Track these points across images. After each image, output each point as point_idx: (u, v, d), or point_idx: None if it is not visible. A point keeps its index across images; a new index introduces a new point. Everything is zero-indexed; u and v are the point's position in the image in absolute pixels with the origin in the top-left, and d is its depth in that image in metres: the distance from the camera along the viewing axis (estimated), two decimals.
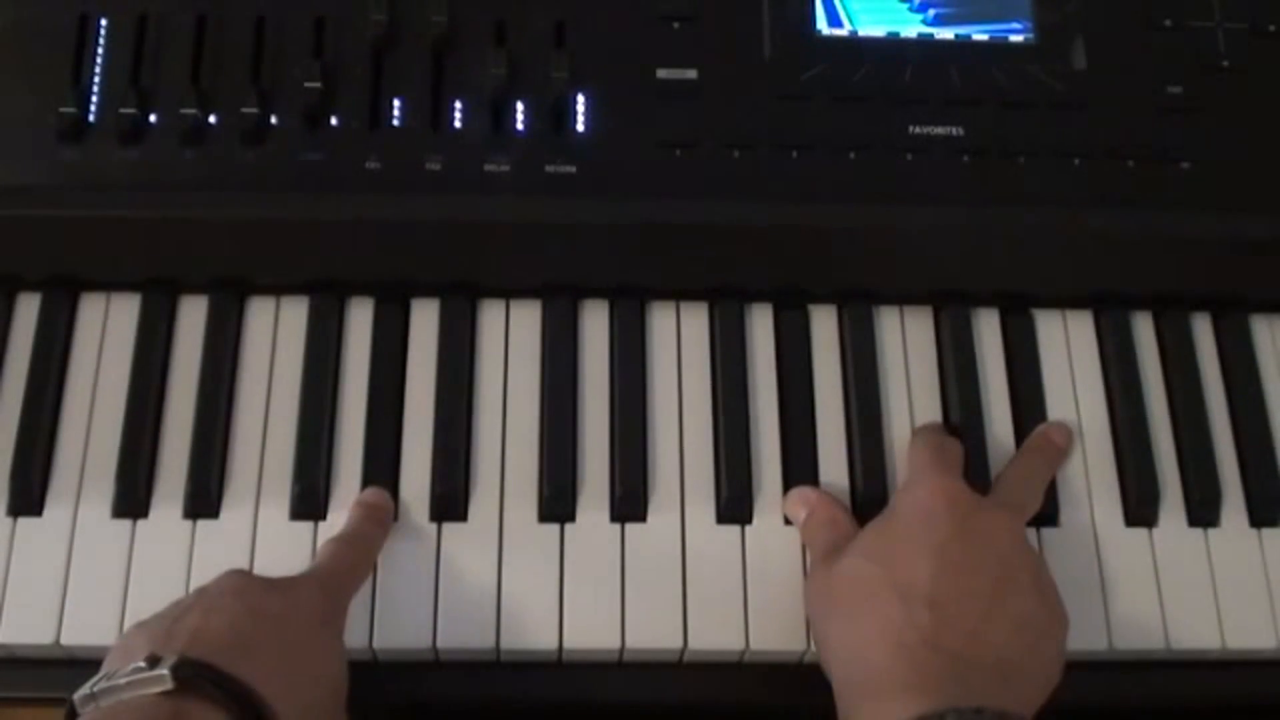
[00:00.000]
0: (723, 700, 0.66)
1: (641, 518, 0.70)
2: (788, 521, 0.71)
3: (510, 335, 0.74)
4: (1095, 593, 0.70)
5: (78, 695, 0.54)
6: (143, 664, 0.53)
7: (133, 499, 0.69)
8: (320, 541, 0.68)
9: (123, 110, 0.71)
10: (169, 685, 0.53)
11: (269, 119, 0.72)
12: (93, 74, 0.73)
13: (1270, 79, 0.77)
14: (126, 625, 0.66)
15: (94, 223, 0.71)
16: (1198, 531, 0.72)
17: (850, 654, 0.62)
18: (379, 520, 0.68)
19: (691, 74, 0.74)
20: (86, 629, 0.66)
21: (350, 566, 0.66)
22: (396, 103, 0.73)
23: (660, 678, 0.69)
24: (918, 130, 0.74)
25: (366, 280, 0.74)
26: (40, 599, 0.67)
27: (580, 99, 0.74)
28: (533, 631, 0.67)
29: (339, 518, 0.69)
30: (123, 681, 0.53)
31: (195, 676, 0.53)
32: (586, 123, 0.73)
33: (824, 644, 0.65)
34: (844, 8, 0.77)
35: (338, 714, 0.61)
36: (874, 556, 0.64)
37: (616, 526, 0.70)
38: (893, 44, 0.77)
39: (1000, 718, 0.56)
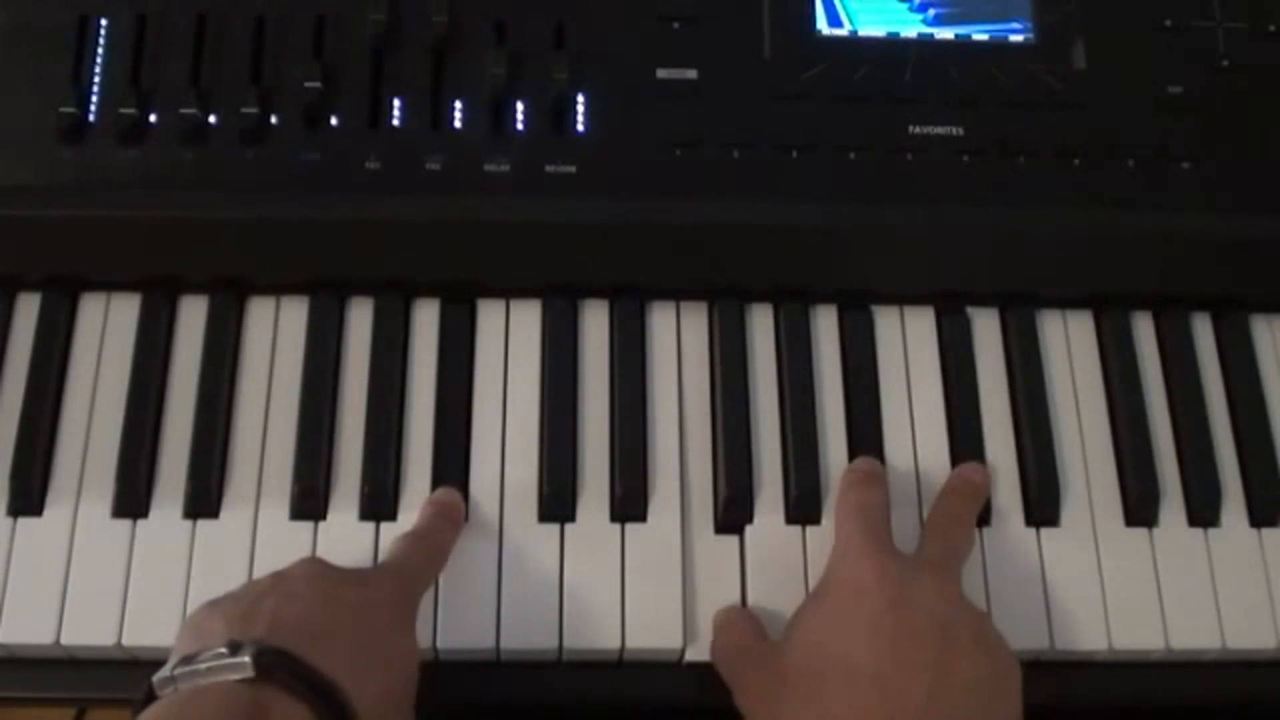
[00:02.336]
0: (722, 700, 0.66)
1: (641, 518, 0.70)
2: (788, 521, 0.71)
3: (510, 335, 0.74)
4: (1095, 593, 0.70)
5: (156, 677, 0.54)
6: (223, 649, 0.53)
7: (133, 499, 0.69)
8: (320, 542, 0.68)
9: (123, 110, 0.71)
10: (250, 673, 0.53)
11: (269, 119, 0.72)
12: (93, 74, 0.73)
13: (1270, 79, 0.77)
14: (125, 626, 0.66)
15: (94, 223, 0.71)
16: (1198, 531, 0.72)
17: None
18: (450, 518, 0.68)
19: (691, 74, 0.74)
20: (86, 629, 0.66)
21: (422, 562, 0.66)
22: (396, 103, 0.73)
23: (659, 678, 0.69)
24: (918, 130, 0.74)
25: (366, 280, 0.74)
26: (40, 599, 0.67)
27: (580, 99, 0.74)
28: (535, 631, 0.67)
29: (339, 517, 0.69)
30: (203, 666, 0.53)
31: (276, 666, 0.53)
32: (586, 123, 0.74)
33: None
34: (844, 8, 0.77)
35: (407, 707, 0.61)
36: (812, 642, 0.63)
37: (616, 526, 0.70)
38: (893, 44, 0.77)
39: None
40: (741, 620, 0.67)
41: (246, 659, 0.53)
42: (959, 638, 0.61)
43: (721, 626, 0.68)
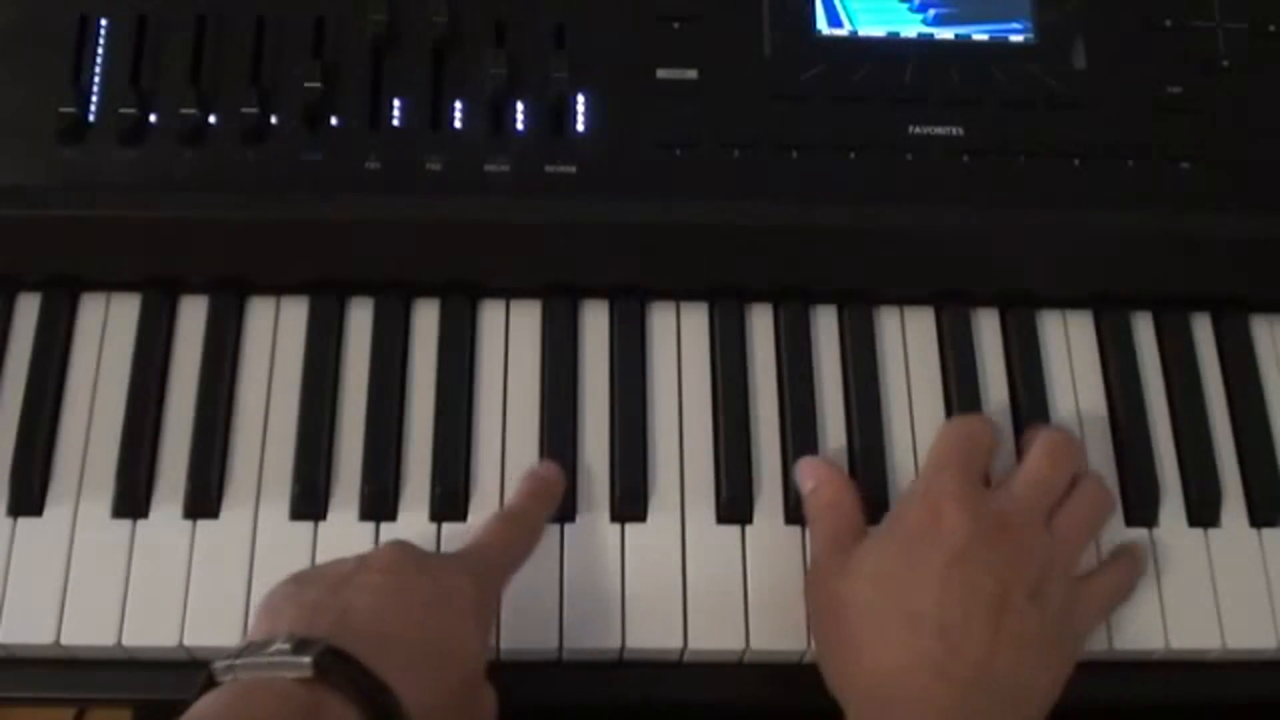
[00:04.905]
0: (722, 700, 0.66)
1: (641, 518, 0.70)
2: (788, 521, 0.71)
3: (510, 335, 0.74)
4: None
5: (219, 664, 0.55)
6: (286, 646, 0.54)
7: (133, 499, 0.69)
8: (320, 542, 0.68)
9: (123, 110, 0.71)
10: (309, 673, 0.53)
11: (269, 119, 0.72)
12: (93, 74, 0.73)
13: (1270, 79, 0.77)
14: (125, 626, 0.66)
15: (94, 223, 0.71)
16: (1198, 531, 0.72)
17: (858, 684, 0.62)
18: (546, 496, 0.68)
19: (691, 74, 0.74)
20: (86, 629, 0.66)
21: (509, 550, 0.65)
22: (396, 103, 0.73)
23: (660, 678, 0.69)
24: (918, 130, 0.74)
25: (366, 280, 0.74)
26: (40, 599, 0.66)
27: (580, 99, 0.74)
28: (535, 632, 0.67)
29: (339, 517, 0.69)
30: (264, 661, 0.54)
31: (334, 669, 0.54)
32: (586, 123, 0.73)
33: (828, 662, 0.64)
34: (844, 8, 0.77)
35: (466, 705, 0.60)
36: (879, 582, 0.63)
37: (616, 526, 0.70)
38: (893, 44, 0.77)
39: None
40: (849, 498, 0.68)
41: (307, 659, 0.53)
42: (1015, 596, 0.61)
43: (824, 483, 0.68)
